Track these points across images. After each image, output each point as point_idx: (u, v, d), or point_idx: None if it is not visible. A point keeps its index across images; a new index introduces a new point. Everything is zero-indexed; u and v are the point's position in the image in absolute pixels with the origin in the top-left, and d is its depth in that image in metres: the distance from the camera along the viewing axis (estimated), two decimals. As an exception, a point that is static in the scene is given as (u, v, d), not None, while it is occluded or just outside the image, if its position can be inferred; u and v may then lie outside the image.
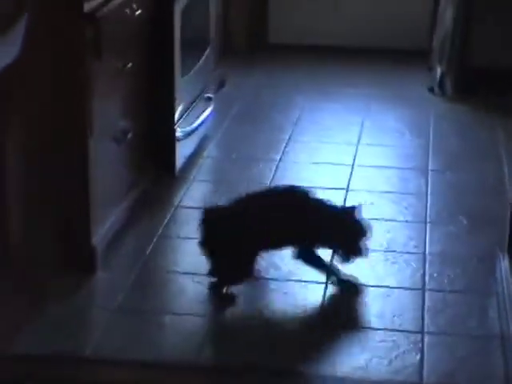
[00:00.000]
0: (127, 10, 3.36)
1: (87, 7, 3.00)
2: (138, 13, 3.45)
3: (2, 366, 2.72)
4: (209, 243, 3.03)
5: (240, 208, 3.05)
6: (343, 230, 3.09)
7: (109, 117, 3.28)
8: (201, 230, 3.04)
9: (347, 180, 4.01)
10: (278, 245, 3.11)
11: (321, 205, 3.11)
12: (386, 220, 3.67)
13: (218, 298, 3.05)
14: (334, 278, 3.13)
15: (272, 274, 3.23)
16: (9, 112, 2.82)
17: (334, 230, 3.09)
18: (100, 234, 3.25)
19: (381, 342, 2.88)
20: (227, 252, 3.01)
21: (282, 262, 3.26)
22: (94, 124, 3.11)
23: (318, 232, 3.09)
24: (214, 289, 3.05)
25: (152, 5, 3.67)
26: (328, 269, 3.14)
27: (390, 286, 3.20)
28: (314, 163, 4.23)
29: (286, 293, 3.13)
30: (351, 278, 3.14)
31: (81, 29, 3.00)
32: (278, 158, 4.24)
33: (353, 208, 3.13)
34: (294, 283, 3.19)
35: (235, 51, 5.59)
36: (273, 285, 3.18)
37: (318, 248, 3.12)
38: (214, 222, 3.03)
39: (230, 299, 3.04)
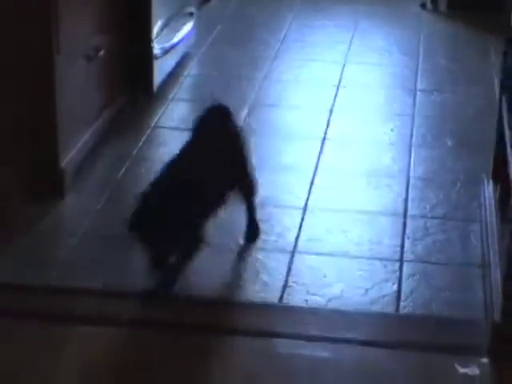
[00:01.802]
0: None
1: None
2: None
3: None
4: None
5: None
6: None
7: (78, 33, 3.15)
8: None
9: (332, 100, 3.92)
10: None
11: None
12: (370, 143, 3.60)
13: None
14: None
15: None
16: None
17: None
18: (69, 157, 3.16)
19: (358, 270, 2.80)
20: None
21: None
22: (62, 41, 2.98)
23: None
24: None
25: None
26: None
27: (371, 211, 3.12)
28: (298, 82, 4.16)
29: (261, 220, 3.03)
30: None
31: None
32: (262, 76, 4.14)
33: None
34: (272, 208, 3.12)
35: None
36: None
37: None
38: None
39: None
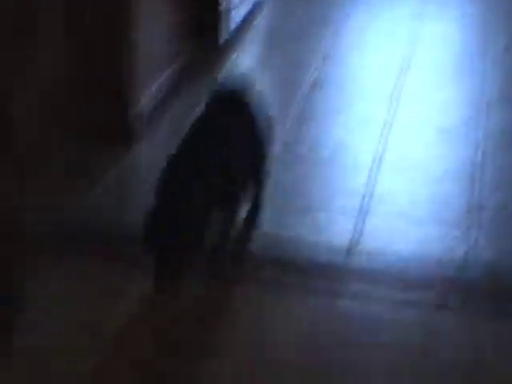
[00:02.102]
0: None
1: None
2: None
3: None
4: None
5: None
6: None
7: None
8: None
9: (404, 58, 3.95)
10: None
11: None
12: (444, 101, 3.63)
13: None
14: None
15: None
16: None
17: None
18: (141, 106, 3.28)
19: (425, 233, 2.83)
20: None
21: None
22: None
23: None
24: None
25: None
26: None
27: (440, 172, 3.15)
28: (370, 36, 4.22)
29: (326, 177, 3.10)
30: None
31: None
32: (331, 32, 4.21)
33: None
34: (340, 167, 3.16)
35: None
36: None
37: None
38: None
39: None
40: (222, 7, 3.86)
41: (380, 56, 3.99)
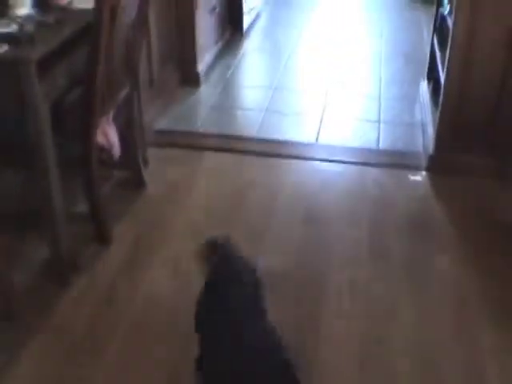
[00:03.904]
0: None
1: None
2: None
3: (151, 137, 3.71)
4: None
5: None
6: None
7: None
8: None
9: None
10: None
11: None
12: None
13: None
14: None
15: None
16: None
17: None
18: (201, 65, 4.52)
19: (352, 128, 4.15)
20: None
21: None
22: (198, 2, 4.38)
23: None
24: None
25: None
26: None
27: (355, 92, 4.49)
28: None
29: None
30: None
31: None
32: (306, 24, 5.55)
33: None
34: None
35: None
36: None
37: None
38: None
39: None
40: (244, 12, 5.09)
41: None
